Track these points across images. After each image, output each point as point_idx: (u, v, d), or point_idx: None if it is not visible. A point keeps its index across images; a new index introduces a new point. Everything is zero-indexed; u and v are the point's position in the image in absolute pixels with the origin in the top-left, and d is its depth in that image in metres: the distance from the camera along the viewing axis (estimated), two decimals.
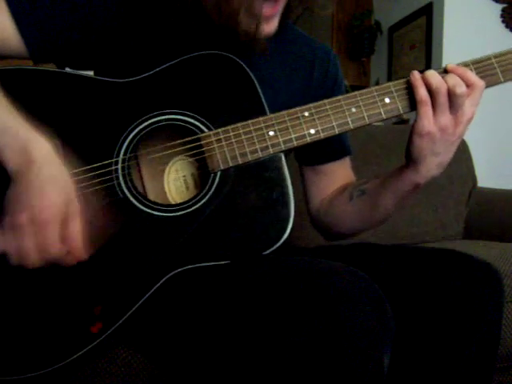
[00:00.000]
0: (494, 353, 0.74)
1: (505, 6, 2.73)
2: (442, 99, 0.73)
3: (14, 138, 0.64)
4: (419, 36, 2.93)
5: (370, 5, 3.61)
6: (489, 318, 0.71)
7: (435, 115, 0.74)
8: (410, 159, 0.78)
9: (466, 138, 1.78)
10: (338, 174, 0.97)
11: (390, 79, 3.29)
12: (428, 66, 2.83)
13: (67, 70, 0.83)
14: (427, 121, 0.74)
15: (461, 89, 0.72)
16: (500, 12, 2.73)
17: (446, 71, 0.76)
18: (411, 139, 0.76)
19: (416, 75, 0.75)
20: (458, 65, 0.77)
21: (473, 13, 2.69)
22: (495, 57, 0.78)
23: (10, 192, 0.64)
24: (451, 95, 0.73)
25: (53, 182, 0.65)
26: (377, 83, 3.41)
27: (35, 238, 0.63)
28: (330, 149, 0.96)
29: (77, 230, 0.65)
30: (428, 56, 2.83)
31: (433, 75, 0.74)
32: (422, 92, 0.74)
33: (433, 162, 0.77)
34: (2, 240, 0.64)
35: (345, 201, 0.91)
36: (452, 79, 0.73)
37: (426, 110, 0.74)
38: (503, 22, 2.74)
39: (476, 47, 2.56)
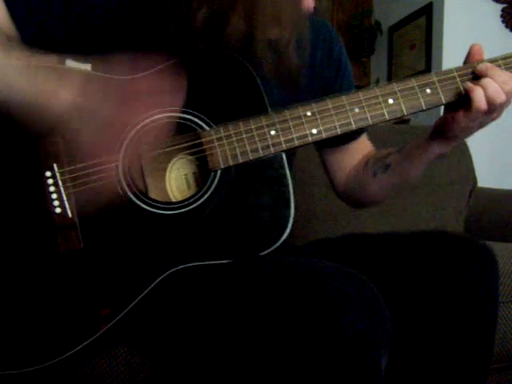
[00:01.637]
0: (492, 334, 0.74)
1: (505, 6, 2.73)
2: (498, 106, 0.75)
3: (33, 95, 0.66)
4: (419, 36, 2.93)
5: (369, 5, 3.61)
6: (484, 296, 0.72)
7: (483, 116, 0.76)
8: (443, 137, 0.81)
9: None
10: (358, 150, 0.99)
11: (390, 79, 3.28)
12: (428, 66, 2.83)
13: (68, 64, 0.83)
14: (475, 121, 0.76)
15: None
16: (500, 12, 2.73)
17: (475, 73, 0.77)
18: (450, 128, 0.79)
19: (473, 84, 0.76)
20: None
21: (473, 13, 2.69)
22: None
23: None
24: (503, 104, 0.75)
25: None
26: (377, 83, 3.41)
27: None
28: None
29: None
30: (428, 56, 2.83)
31: (494, 90, 0.74)
32: (481, 100, 0.74)
33: (465, 138, 0.82)
34: None
35: (369, 177, 0.94)
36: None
37: (479, 115, 0.75)
38: (503, 22, 2.74)
39: None
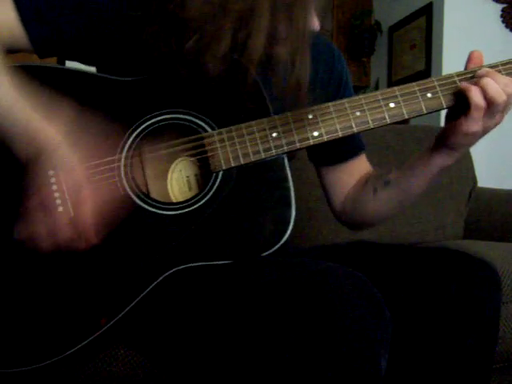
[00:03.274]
0: (492, 352, 0.74)
1: (505, 6, 2.73)
2: (500, 107, 0.74)
3: (23, 129, 0.67)
4: (419, 36, 2.93)
5: (369, 5, 3.61)
6: (486, 317, 0.71)
7: (484, 119, 0.75)
8: (446, 147, 0.80)
9: None
10: (357, 169, 0.98)
11: (390, 79, 3.28)
12: (428, 66, 2.82)
13: (69, 65, 0.83)
14: (477, 124, 0.75)
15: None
16: (500, 12, 2.73)
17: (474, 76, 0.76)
18: (452, 135, 0.78)
19: (469, 83, 0.75)
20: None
21: (473, 13, 2.69)
22: None
23: (25, 181, 0.66)
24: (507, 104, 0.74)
25: (62, 168, 0.67)
26: (377, 83, 3.41)
27: (45, 223, 0.65)
28: (347, 147, 0.96)
29: (87, 213, 0.66)
30: (428, 56, 2.83)
31: (493, 88, 0.74)
32: (478, 98, 0.74)
33: (468, 147, 0.81)
34: (18, 229, 0.67)
35: (369, 195, 0.92)
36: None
37: (479, 116, 0.75)
38: (503, 22, 2.74)
39: (476, 47, 2.53)
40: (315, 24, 0.78)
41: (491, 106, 0.74)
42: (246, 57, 0.72)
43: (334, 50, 0.96)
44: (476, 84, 0.74)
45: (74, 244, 0.67)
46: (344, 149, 0.96)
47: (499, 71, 0.77)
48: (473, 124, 0.75)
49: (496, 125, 0.77)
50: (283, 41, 0.72)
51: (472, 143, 0.79)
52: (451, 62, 2.65)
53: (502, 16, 2.73)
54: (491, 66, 0.77)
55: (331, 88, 0.93)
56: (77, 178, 0.68)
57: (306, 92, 0.75)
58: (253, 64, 0.72)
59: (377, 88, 3.33)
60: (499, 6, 2.73)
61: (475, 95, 0.73)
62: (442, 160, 0.82)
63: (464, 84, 0.75)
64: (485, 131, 0.77)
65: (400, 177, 0.87)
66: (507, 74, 0.77)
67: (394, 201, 0.90)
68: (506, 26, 2.73)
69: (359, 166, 0.98)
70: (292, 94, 0.74)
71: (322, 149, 0.95)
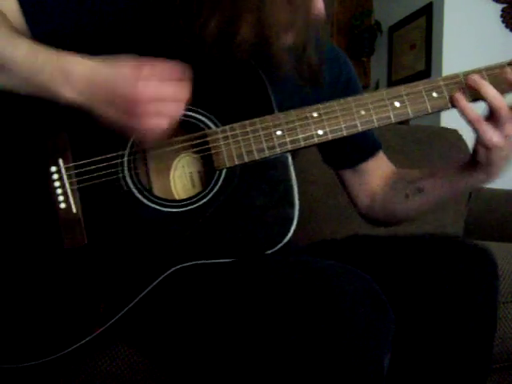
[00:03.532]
0: (491, 336, 0.74)
1: (505, 6, 2.73)
2: (504, 113, 0.73)
3: (54, 69, 0.65)
4: (419, 36, 2.92)
5: (370, 5, 3.61)
6: (483, 299, 0.72)
7: (499, 128, 0.74)
8: (480, 164, 0.78)
9: (465, 138, 1.79)
10: (378, 168, 0.98)
11: (390, 79, 3.28)
12: (428, 66, 2.82)
13: None
14: (489, 135, 0.74)
15: None
16: (500, 12, 2.73)
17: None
18: (478, 151, 0.77)
19: (461, 96, 0.75)
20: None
21: (473, 13, 2.68)
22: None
23: (95, 109, 0.66)
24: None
25: (119, 71, 0.66)
26: (377, 83, 3.41)
27: (167, 90, 0.66)
28: (363, 147, 0.96)
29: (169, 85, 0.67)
30: (428, 56, 2.83)
31: (488, 87, 0.74)
32: (471, 114, 0.74)
33: (503, 164, 0.78)
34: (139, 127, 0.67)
35: (400, 199, 0.92)
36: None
37: (483, 128, 0.74)
38: (503, 22, 2.73)
39: (476, 47, 2.58)
40: (320, 6, 0.77)
41: (497, 113, 0.73)
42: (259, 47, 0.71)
43: (339, 54, 0.96)
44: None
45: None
46: (361, 149, 0.96)
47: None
48: (485, 136, 0.74)
49: None
50: (290, 28, 0.72)
51: (503, 157, 0.76)
52: (451, 62, 2.65)
53: (501, 16, 2.73)
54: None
55: (338, 90, 0.92)
56: (135, 69, 0.66)
57: (321, 72, 0.75)
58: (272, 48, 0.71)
59: (377, 88, 3.33)
60: (499, 6, 2.73)
61: (466, 110, 0.74)
62: (478, 176, 0.81)
63: (471, 79, 0.75)
64: (509, 142, 0.75)
65: (434, 187, 0.87)
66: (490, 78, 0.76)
67: (425, 207, 0.91)
68: (506, 26, 2.73)
69: (380, 165, 0.98)
70: (308, 80, 0.73)
71: (338, 152, 0.96)
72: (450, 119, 0.79)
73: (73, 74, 0.65)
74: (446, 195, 0.87)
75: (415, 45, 2.97)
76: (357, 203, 1.00)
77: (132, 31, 0.77)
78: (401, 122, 0.80)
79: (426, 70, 2.83)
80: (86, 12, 0.76)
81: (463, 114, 0.75)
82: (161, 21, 0.79)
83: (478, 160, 0.78)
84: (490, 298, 0.73)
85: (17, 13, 0.74)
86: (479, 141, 0.76)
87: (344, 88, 0.94)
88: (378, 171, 0.97)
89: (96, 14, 0.76)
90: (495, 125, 0.74)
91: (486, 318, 0.73)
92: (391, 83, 3.21)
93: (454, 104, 0.76)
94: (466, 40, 2.64)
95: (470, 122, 0.75)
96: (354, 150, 0.95)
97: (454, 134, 1.84)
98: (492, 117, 0.74)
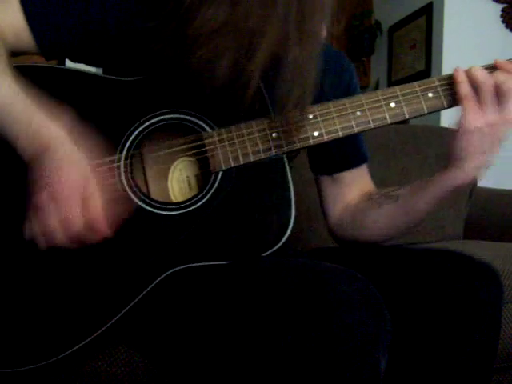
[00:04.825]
0: (493, 353, 0.73)
1: (505, 6, 2.73)
2: (488, 94, 0.73)
3: (26, 125, 0.66)
4: (419, 36, 2.93)
5: (370, 5, 3.61)
6: (487, 318, 0.71)
7: (482, 110, 0.73)
8: (455, 158, 0.76)
9: None
10: (357, 182, 0.95)
11: (389, 79, 3.28)
12: (428, 66, 2.82)
13: (69, 65, 0.83)
14: (473, 116, 0.73)
15: (507, 85, 0.72)
16: (500, 12, 2.73)
17: (494, 67, 0.75)
18: (458, 135, 0.75)
19: (460, 70, 0.75)
20: (509, 60, 0.76)
21: (473, 13, 2.68)
22: None
23: (29, 178, 0.66)
24: (498, 91, 0.72)
25: (68, 161, 0.66)
26: (377, 83, 3.41)
27: (58, 215, 0.65)
28: (347, 155, 0.94)
29: (97, 204, 0.66)
30: (428, 56, 2.83)
31: (477, 70, 0.73)
32: (463, 87, 0.73)
33: (478, 160, 0.76)
34: (29, 227, 0.67)
35: (373, 209, 0.88)
36: (500, 75, 0.73)
37: (470, 106, 0.73)
38: (503, 22, 2.73)
39: (476, 47, 2.57)
40: (323, 33, 0.78)
41: (480, 91, 0.73)
42: (248, 68, 0.71)
43: (342, 60, 0.95)
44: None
45: (87, 235, 0.67)
46: (345, 158, 0.94)
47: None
48: (469, 116, 0.73)
49: (506, 122, 0.74)
50: (293, 47, 0.71)
51: (480, 148, 0.74)
52: (451, 62, 2.65)
53: (502, 16, 2.73)
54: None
55: (338, 96, 0.92)
56: (84, 171, 0.67)
57: (311, 95, 0.74)
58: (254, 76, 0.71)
59: (377, 88, 3.33)
60: (499, 6, 2.73)
61: (461, 82, 0.73)
62: (452, 175, 0.77)
63: (455, 74, 0.75)
64: (493, 130, 0.74)
65: (408, 194, 0.84)
66: None
67: (398, 218, 0.86)
68: (506, 26, 2.73)
69: (360, 179, 0.95)
70: (296, 98, 0.73)
71: (323, 157, 0.94)
72: (450, 119, 0.78)
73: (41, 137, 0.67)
74: (424, 201, 0.82)
75: (415, 45, 2.97)
76: (327, 214, 0.97)
77: (135, 43, 0.76)
78: (400, 122, 0.79)
79: (425, 69, 2.83)
80: (92, 22, 0.76)
81: (458, 86, 0.74)
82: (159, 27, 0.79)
83: (453, 153, 0.76)
84: (495, 315, 0.72)
85: (22, 25, 0.74)
86: (460, 124, 0.74)
87: (345, 92, 0.93)
88: (356, 185, 0.95)
89: (102, 24, 0.77)
90: (479, 106, 0.73)
91: (488, 329, 0.72)
92: (391, 83, 3.21)
93: (453, 76, 0.75)
94: (465, 40, 2.64)
95: (460, 97, 0.74)
96: (337, 157, 0.93)
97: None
98: (476, 95, 0.74)
